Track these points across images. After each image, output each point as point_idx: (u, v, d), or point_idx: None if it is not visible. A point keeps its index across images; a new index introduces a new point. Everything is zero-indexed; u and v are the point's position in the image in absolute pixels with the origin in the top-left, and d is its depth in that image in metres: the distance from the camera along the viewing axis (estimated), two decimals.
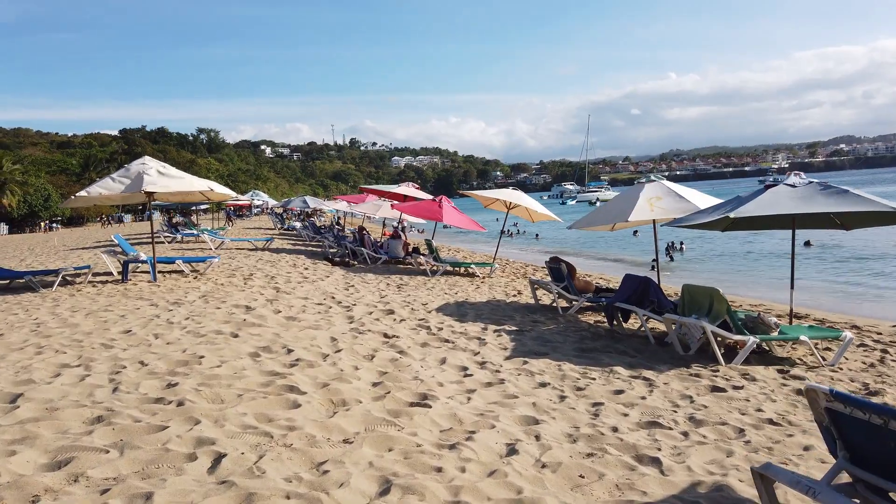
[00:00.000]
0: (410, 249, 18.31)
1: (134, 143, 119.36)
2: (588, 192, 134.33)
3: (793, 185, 7.81)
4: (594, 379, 6.06)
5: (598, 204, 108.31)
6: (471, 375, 5.91)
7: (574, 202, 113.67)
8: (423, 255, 17.12)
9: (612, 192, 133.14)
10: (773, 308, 11.66)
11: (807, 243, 27.32)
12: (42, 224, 67.61)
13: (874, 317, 12.19)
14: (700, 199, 9.84)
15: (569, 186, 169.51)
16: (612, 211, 10.31)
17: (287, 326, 7.53)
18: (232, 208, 68.76)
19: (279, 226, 38.24)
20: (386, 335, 7.60)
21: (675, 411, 5.12)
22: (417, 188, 20.89)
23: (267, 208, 64.64)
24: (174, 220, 33.54)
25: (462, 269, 16.34)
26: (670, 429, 4.66)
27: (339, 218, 39.14)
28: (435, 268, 15.58)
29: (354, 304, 9.87)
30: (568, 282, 10.24)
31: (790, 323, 8.53)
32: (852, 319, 11.02)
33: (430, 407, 4.69)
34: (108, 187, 10.12)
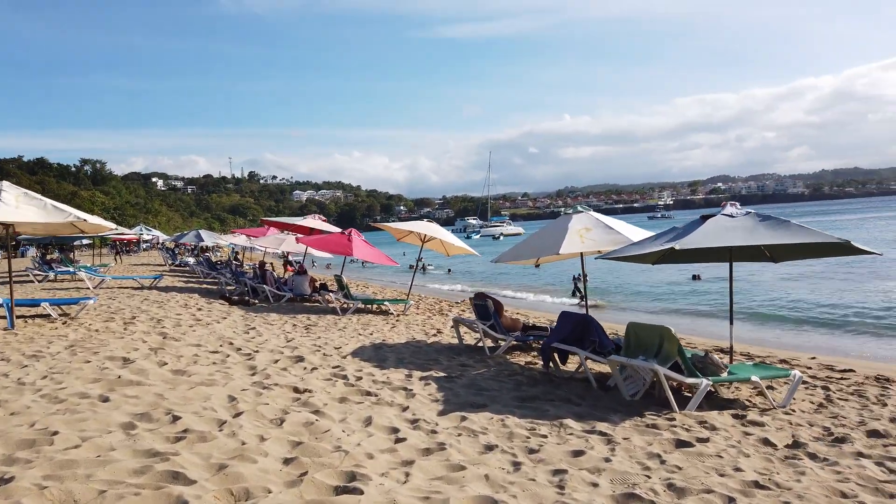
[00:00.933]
0: (318, 286, 17.06)
1: (8, 174, 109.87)
2: (491, 226, 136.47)
3: (731, 216, 7.46)
4: (545, 437, 5.23)
5: (501, 238, 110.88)
6: (404, 440, 4.91)
7: (478, 236, 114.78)
8: (332, 291, 15.92)
9: (513, 226, 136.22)
10: (702, 343, 11.43)
11: (695, 277, 28.32)
12: None
13: (791, 348, 12.28)
14: (629, 230, 9.42)
15: (472, 221, 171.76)
16: (539, 244, 9.70)
17: (174, 383, 6.22)
18: (118, 243, 64.04)
19: (170, 262, 35.51)
20: (296, 389, 6.46)
21: (649, 476, 4.35)
22: (324, 220, 19.69)
23: (157, 243, 60.53)
24: (49, 257, 30.27)
25: (375, 307, 15.27)
26: (652, 502, 3.88)
27: (236, 253, 36.93)
28: (346, 306, 14.45)
29: (257, 351, 8.61)
30: (495, 320, 9.48)
31: (730, 361, 8.14)
32: (773, 353, 10.95)
33: (362, 493, 3.66)
34: None
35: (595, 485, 4.17)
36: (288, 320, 12.64)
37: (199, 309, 13.29)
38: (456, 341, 10.52)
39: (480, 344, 9.97)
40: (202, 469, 3.86)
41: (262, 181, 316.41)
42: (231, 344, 9.07)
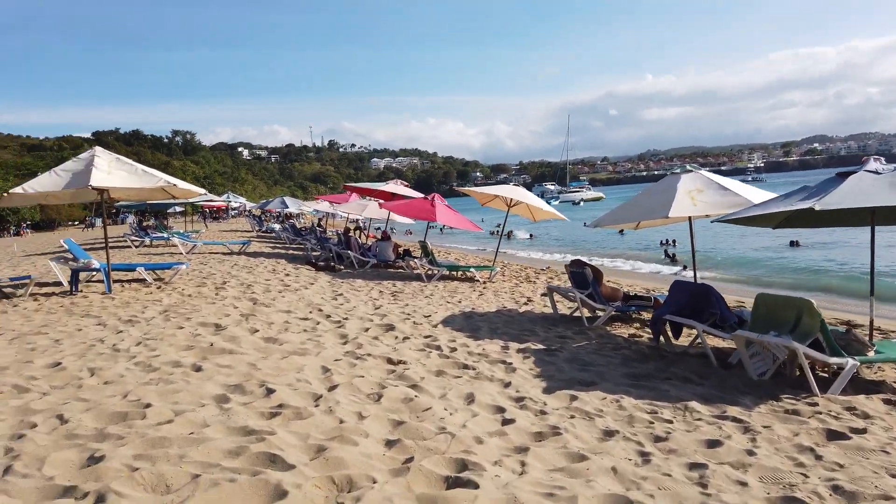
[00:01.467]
0: (401, 252, 16.81)
1: (107, 146, 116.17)
2: (570, 192, 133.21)
3: (876, 172, 6.47)
4: (670, 422, 4.63)
5: (581, 204, 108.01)
6: (512, 421, 4.44)
7: (557, 202, 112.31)
8: (416, 258, 15.63)
9: (593, 191, 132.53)
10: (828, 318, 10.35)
11: (793, 243, 26.39)
12: (10, 228, 64.96)
13: None
14: (747, 191, 8.49)
15: (550, 186, 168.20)
16: (645, 206, 8.90)
17: (266, 352, 6.00)
18: (208, 210, 66.65)
19: (257, 228, 36.43)
20: (390, 360, 6.11)
21: (806, 475, 3.70)
22: (406, 185, 19.37)
23: (244, 210, 62.61)
24: (145, 223, 31.64)
25: (460, 274, 14.87)
26: None
27: (320, 219, 37.46)
28: (431, 272, 14.11)
29: (346, 318, 8.35)
30: (594, 288, 8.84)
31: (871, 338, 7.19)
32: None
33: (477, 486, 3.21)
34: (48, 183, 8.49)
35: (743, 484, 3.57)
36: (374, 286, 12.41)
37: (287, 274, 13.28)
38: (549, 310, 9.96)
39: (577, 314, 9.37)
40: (300, 451, 3.52)
41: (340, 149, 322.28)
42: (320, 310, 8.86)
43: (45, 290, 10.38)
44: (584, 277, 8.98)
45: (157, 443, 3.45)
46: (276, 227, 34.43)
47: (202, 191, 9.53)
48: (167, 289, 10.30)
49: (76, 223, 79.06)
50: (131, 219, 46.21)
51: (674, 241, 30.48)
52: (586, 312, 9.03)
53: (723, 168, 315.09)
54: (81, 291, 9.87)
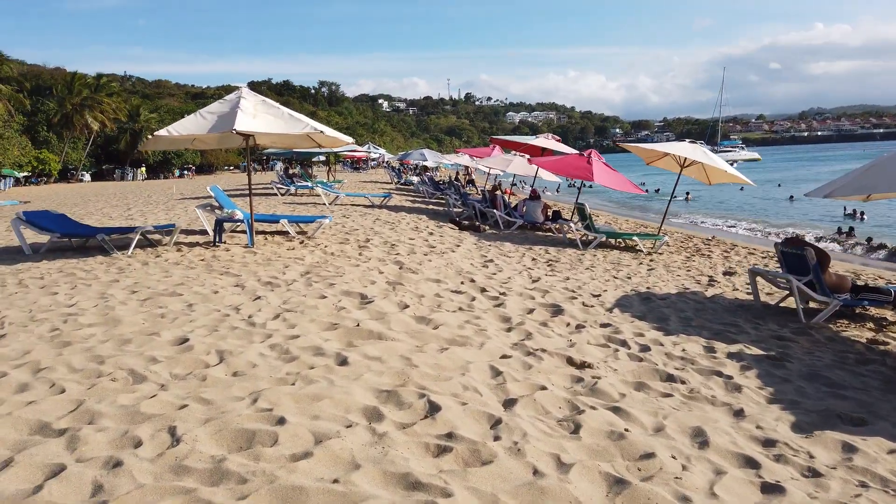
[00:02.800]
0: (550, 213, 15.36)
1: (261, 94, 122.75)
2: (722, 151, 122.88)
3: None
4: None
5: (735, 165, 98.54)
6: (778, 490, 3.02)
7: None
8: (566, 221, 14.15)
9: (747, 152, 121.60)
10: None
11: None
12: (174, 171, 70.54)
13: None
14: None
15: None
16: None
17: (420, 338, 4.92)
18: (349, 160, 68.29)
19: (396, 180, 36.27)
20: (571, 360, 4.83)
21: None
22: (559, 140, 17.72)
23: (383, 161, 63.39)
24: (291, 171, 32.35)
25: (619, 242, 13.21)
26: None
27: (460, 172, 36.58)
28: (586, 238, 12.59)
29: (504, 294, 7.15)
30: (816, 276, 6.97)
31: None
32: None
33: None
34: (192, 125, 7.94)
35: None
36: (525, 252, 11.14)
37: (431, 233, 12.32)
38: (744, 296, 8.20)
39: (785, 304, 7.57)
40: None
41: (476, 102, 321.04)
42: (472, 281, 7.72)
43: (190, 238, 10.12)
44: (803, 261, 7.11)
45: (289, 497, 2.41)
46: (415, 179, 33.99)
47: (349, 139, 8.66)
48: (310, 244, 9.64)
49: (232, 168, 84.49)
50: (279, 166, 48.01)
51: (862, 214, 26.44)
52: (803, 305, 7.21)
53: None
54: (225, 242, 9.45)
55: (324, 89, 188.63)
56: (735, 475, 3.14)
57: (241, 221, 8.99)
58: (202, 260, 7.99)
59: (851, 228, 22.26)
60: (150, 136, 8.28)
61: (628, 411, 3.82)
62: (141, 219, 14.14)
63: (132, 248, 8.39)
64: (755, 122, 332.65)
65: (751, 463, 3.30)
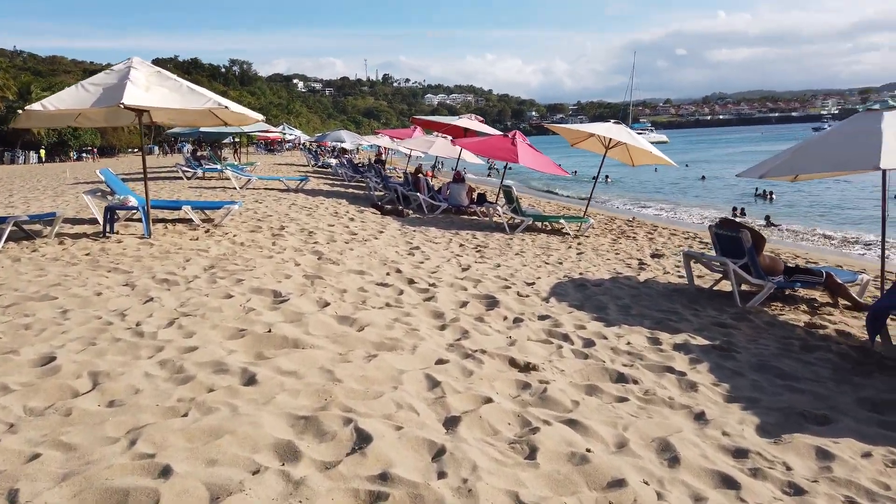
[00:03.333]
0: (475, 196, 14.91)
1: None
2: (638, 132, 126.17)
3: None
4: None
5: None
6: None
7: None
8: (492, 204, 13.75)
9: (656, 134, 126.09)
10: None
11: None
12: (71, 154, 65.48)
13: None
14: None
15: None
16: (833, 153, 6.71)
17: (344, 343, 4.28)
18: (263, 142, 65.61)
19: (313, 163, 34.92)
20: (514, 362, 4.34)
21: None
22: (482, 121, 17.27)
23: (299, 143, 61.23)
24: (199, 153, 30.45)
25: (544, 225, 12.92)
26: None
27: (378, 154, 35.68)
28: (513, 222, 12.23)
29: (433, 285, 6.60)
30: (751, 258, 6.81)
31: None
32: None
33: None
34: (71, 99, 6.86)
35: None
36: (452, 238, 10.63)
37: (352, 219, 11.59)
38: (676, 280, 8.02)
39: (717, 288, 7.41)
40: None
41: (395, 84, 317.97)
42: (399, 271, 7.12)
43: (77, 228, 8.95)
44: (738, 243, 6.93)
45: None
46: (333, 161, 32.82)
47: (259, 116, 7.78)
48: (216, 233, 8.72)
49: (136, 150, 79.36)
50: (187, 148, 45.21)
51: (771, 195, 27.56)
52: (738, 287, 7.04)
53: (793, 114, 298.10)
54: (117, 233, 8.38)
55: (235, 68, 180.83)
56: (717, 500, 2.72)
57: (136, 209, 7.97)
58: (87, 254, 6.96)
59: (743, 209, 23.07)
60: (20, 112, 7.10)
61: (586, 424, 3.35)
62: (23, 206, 12.62)
63: (2, 241, 7.20)
64: (663, 105, 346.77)
65: (728, 482, 2.90)
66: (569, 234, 12.13)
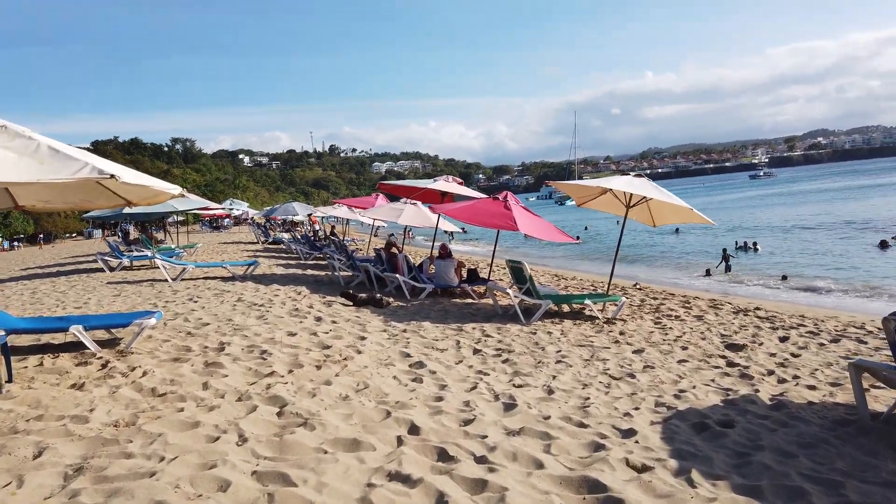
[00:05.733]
0: (464, 273, 12.25)
1: (106, 154, 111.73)
2: None
3: None
4: None
5: None
6: None
7: (573, 202, 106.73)
8: (489, 282, 11.09)
9: None
10: None
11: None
12: (1, 242, 60.44)
13: None
14: None
15: None
16: None
17: None
18: (207, 220, 62.06)
19: (263, 239, 31.86)
20: None
21: None
22: (460, 183, 14.80)
23: (246, 218, 57.96)
24: (133, 237, 27.10)
25: (564, 306, 10.25)
26: None
27: (332, 227, 32.94)
28: (528, 305, 9.57)
29: (482, 460, 3.80)
30: None
31: None
32: None
33: None
34: None
35: None
36: (458, 337, 7.87)
37: (318, 318, 8.70)
38: (810, 395, 5.43)
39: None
40: None
41: (342, 154, 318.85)
42: (416, 432, 4.28)
43: None
44: None
45: None
46: (285, 236, 29.85)
47: (174, 188, 5.01)
48: (118, 368, 5.72)
49: (74, 235, 74.28)
50: (130, 229, 40.91)
51: (755, 245, 25.85)
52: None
53: (727, 164, 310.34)
54: None
55: (178, 146, 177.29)
56: None
57: None
58: None
59: (755, 243, 21.21)
60: None
61: None
62: None
63: None
64: (604, 162, 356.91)
65: None
66: (597, 317, 9.52)
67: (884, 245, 24.08)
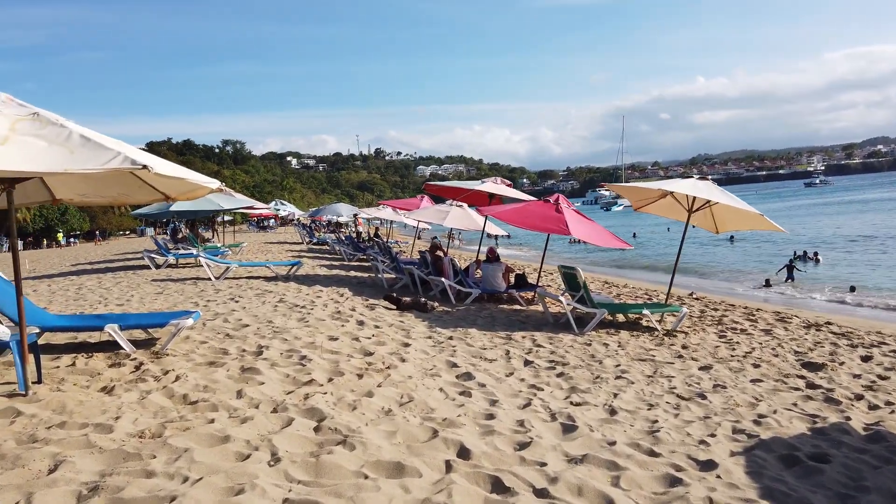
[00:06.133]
0: (511, 279, 11.76)
1: (160, 155, 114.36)
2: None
3: None
4: None
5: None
6: None
7: (621, 208, 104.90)
8: (534, 286, 10.58)
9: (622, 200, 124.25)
10: None
11: None
12: (58, 238, 62.53)
13: None
14: None
15: (604, 192, 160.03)
16: None
17: None
18: (254, 219, 62.91)
19: (308, 240, 31.91)
20: None
21: None
22: (509, 185, 14.31)
23: (293, 219, 58.58)
24: (181, 235, 27.40)
25: (619, 316, 9.67)
26: None
27: (377, 228, 32.75)
28: (582, 314, 9.03)
29: (542, 494, 3.32)
30: None
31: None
32: None
33: None
34: None
35: None
36: (507, 346, 7.40)
37: (360, 322, 8.34)
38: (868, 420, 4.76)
39: None
40: None
41: (387, 157, 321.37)
42: (466, 456, 3.83)
43: None
44: None
45: None
46: (329, 238, 29.82)
47: (212, 182, 4.70)
48: (151, 371, 5.45)
49: (128, 232, 76.28)
50: (182, 227, 41.37)
51: (816, 255, 24.58)
52: None
53: (780, 171, 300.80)
54: None
55: (228, 147, 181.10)
56: None
57: (5, 347, 4.70)
58: None
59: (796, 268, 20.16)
60: None
61: None
62: None
63: None
64: (651, 168, 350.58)
65: None
66: (656, 329, 8.90)
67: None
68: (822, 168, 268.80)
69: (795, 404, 5.36)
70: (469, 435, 4.19)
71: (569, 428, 4.50)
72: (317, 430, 4.10)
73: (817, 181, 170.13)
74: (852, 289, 17.00)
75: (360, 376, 5.54)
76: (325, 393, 4.91)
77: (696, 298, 13.30)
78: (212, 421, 4.12)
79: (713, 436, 4.49)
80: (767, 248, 30.63)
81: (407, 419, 4.42)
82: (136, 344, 6.40)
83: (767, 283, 18.55)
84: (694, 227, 10.59)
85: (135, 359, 5.80)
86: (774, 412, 5.09)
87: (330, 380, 5.34)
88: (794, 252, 25.35)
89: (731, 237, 33.73)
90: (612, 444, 4.20)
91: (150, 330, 6.74)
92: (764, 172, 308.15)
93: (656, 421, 4.77)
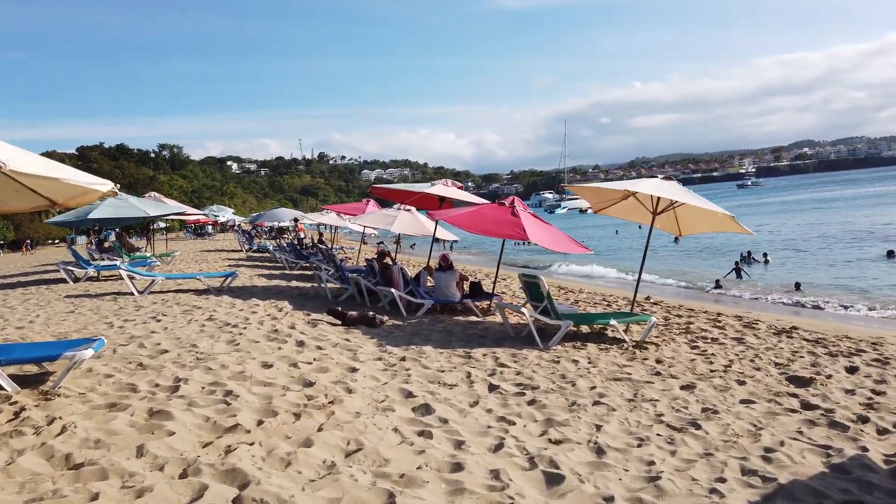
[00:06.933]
0: (466, 287, 10.96)
1: (90, 160, 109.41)
2: (571, 198, 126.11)
3: None
4: None
5: (589, 212, 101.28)
6: None
7: (564, 210, 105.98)
8: (490, 295, 9.81)
9: (580, 201, 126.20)
10: None
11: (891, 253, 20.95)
12: None
13: None
14: None
15: (547, 195, 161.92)
16: None
17: None
18: (191, 226, 60.33)
19: (247, 247, 30.37)
20: None
21: None
22: (460, 187, 13.52)
23: (232, 225, 56.38)
24: (107, 244, 25.48)
25: (582, 326, 8.97)
26: None
27: (321, 234, 31.51)
28: (546, 327, 8.29)
29: None
30: None
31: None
32: None
33: None
34: None
35: None
36: (467, 368, 6.56)
37: (301, 344, 7.35)
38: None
39: None
40: None
41: (330, 161, 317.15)
42: None
43: None
44: None
45: None
46: (270, 245, 28.42)
47: (103, 184, 3.66)
48: (36, 416, 4.38)
49: (56, 241, 71.97)
50: (111, 237, 38.91)
51: (765, 256, 24.77)
52: None
53: (714, 174, 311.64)
54: None
55: (164, 152, 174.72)
56: None
57: None
58: None
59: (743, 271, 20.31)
60: None
61: None
62: None
63: None
64: (592, 171, 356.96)
65: None
66: (624, 340, 8.24)
67: (891, 255, 23.24)
68: (753, 170, 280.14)
69: (801, 432, 4.72)
70: (434, 498, 3.33)
71: (553, 478, 3.70)
72: (236, 502, 3.16)
73: (749, 183, 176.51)
74: (797, 286, 17.09)
75: (297, 416, 4.60)
76: (252, 443, 3.96)
77: (654, 303, 12.82)
78: (95, 497, 3.12)
79: (723, 480, 3.77)
80: (712, 246, 31.03)
81: (355, 478, 3.52)
82: (24, 381, 5.27)
83: (718, 285, 18.39)
84: (657, 229, 10.03)
85: (15, 402, 4.70)
86: (781, 444, 4.42)
87: (259, 423, 4.38)
88: (741, 254, 25.49)
89: (676, 238, 33.92)
90: (610, 500, 3.42)
91: (43, 363, 5.61)
92: (699, 175, 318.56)
93: (653, 462, 4.02)
